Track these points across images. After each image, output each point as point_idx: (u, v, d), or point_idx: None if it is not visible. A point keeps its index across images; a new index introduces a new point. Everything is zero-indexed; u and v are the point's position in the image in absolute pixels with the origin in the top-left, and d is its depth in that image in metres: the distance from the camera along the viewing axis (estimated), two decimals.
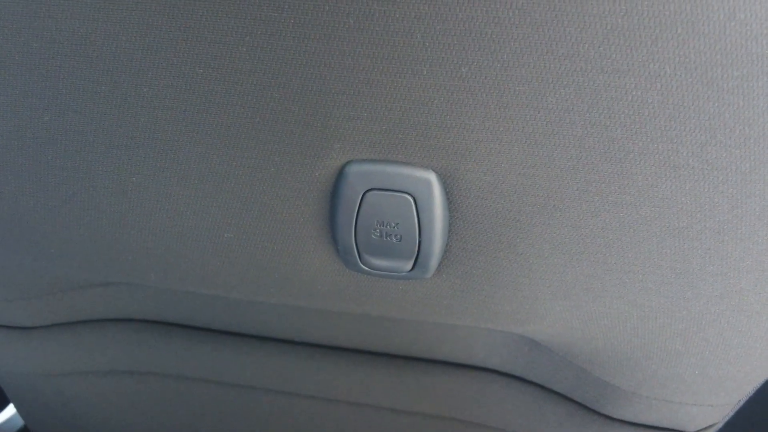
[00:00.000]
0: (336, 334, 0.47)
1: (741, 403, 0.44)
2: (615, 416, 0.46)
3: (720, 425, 0.45)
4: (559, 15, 0.24)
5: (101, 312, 0.50)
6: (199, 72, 0.27)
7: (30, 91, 0.30)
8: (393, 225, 0.31)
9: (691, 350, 0.37)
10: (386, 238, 0.31)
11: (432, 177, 0.29)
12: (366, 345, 0.48)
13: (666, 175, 0.28)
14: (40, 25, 0.28)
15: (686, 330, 0.35)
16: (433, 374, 0.50)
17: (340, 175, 0.30)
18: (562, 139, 0.27)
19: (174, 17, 0.26)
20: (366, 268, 0.33)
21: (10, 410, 0.83)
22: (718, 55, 0.24)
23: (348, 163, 0.30)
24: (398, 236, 0.31)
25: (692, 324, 0.34)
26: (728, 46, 0.24)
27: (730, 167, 0.27)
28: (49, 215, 0.35)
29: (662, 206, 0.29)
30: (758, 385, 0.41)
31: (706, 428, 0.45)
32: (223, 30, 0.26)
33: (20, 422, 0.79)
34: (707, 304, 0.33)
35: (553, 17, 0.24)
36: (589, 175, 0.28)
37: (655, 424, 0.45)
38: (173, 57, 0.27)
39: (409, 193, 0.30)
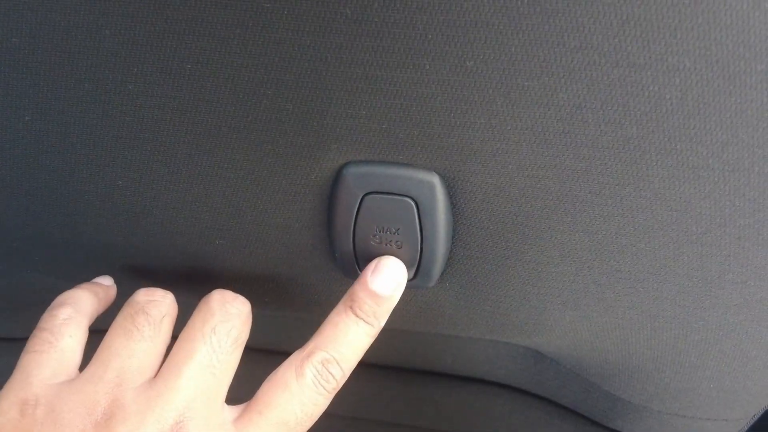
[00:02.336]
0: None
1: (756, 417, 0.42)
2: (624, 431, 0.45)
3: None
4: (572, 4, 0.22)
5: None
6: (187, 67, 0.26)
7: (9, 89, 0.28)
8: (393, 231, 0.29)
9: (707, 363, 0.35)
10: (386, 244, 0.30)
11: (435, 179, 0.27)
12: (364, 357, 0.46)
13: (684, 177, 0.26)
14: (19, 19, 0.26)
15: (702, 341, 0.33)
16: (435, 387, 0.48)
17: (337, 177, 0.28)
18: (573, 138, 0.25)
19: (161, 9, 0.25)
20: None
21: None
22: (740, 48, 0.23)
23: (346, 164, 0.28)
24: (399, 243, 0.30)
25: (709, 335, 0.33)
26: (752, 38, 0.22)
27: (753, 168, 0.25)
28: (30, 220, 0.34)
29: (679, 210, 0.27)
30: None
31: None
32: (214, 22, 0.25)
33: None
34: (725, 314, 0.31)
35: (565, 6, 0.22)
36: (602, 177, 0.26)
37: None
38: (160, 51, 0.26)
39: (410, 197, 0.28)
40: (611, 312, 0.32)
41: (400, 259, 0.30)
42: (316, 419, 0.29)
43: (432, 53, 0.24)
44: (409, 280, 0.31)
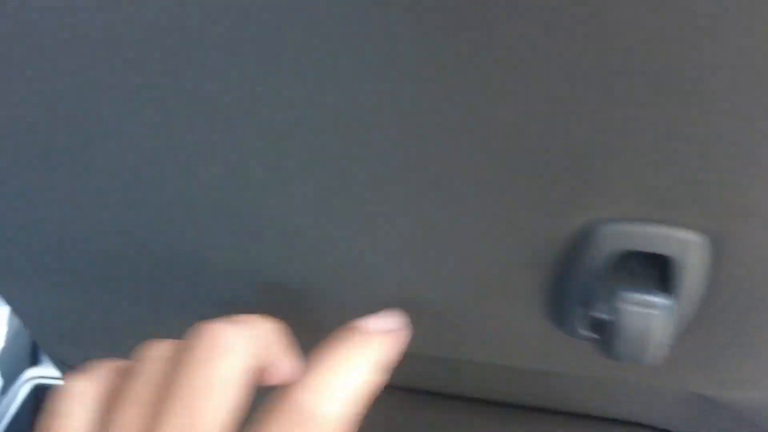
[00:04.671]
0: (493, 386, 0.43)
1: None
2: None
3: None
4: None
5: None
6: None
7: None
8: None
9: None
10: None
11: (701, 241, 0.25)
12: (524, 400, 0.44)
13: None
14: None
15: None
16: (581, 429, 0.46)
17: (586, 235, 0.26)
18: None
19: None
20: (586, 334, 0.29)
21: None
22: None
23: (598, 221, 0.26)
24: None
25: None
26: None
27: None
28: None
29: None
30: None
31: None
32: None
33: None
34: None
35: None
36: None
37: None
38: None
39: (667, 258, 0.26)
40: None
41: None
42: None
43: (723, 104, 0.21)
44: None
